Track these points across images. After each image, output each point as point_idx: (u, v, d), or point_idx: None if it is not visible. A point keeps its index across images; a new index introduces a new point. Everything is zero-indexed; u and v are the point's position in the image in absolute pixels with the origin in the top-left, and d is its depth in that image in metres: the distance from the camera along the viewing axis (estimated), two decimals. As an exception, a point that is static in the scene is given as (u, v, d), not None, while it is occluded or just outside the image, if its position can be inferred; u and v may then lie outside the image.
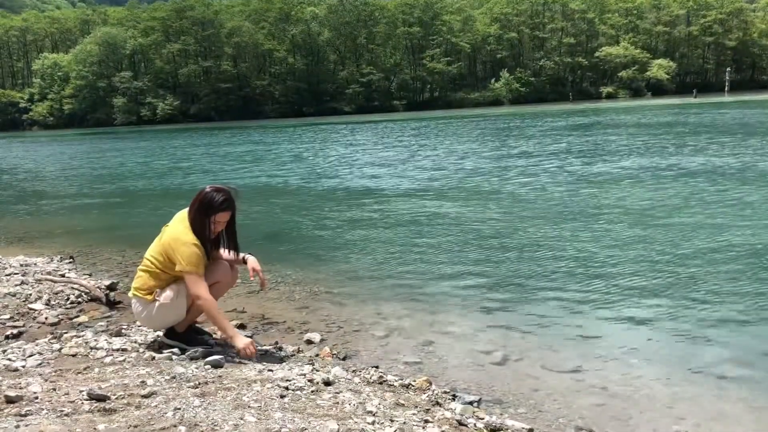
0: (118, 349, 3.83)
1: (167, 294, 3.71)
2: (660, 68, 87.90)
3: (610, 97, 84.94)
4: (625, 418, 3.24)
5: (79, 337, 4.09)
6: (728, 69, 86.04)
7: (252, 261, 3.92)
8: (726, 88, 78.44)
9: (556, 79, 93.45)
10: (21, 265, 6.27)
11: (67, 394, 2.94)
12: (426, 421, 2.91)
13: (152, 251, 3.80)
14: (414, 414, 2.98)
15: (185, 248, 3.62)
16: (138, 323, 4.20)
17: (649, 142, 18.97)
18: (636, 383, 3.61)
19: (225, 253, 3.93)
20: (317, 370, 3.50)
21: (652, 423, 3.18)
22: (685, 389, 3.52)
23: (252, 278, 3.94)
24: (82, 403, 2.82)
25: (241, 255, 3.96)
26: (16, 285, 5.38)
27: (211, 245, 3.81)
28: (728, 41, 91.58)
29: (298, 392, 3.09)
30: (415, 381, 3.55)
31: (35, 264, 6.44)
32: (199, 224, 3.70)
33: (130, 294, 3.92)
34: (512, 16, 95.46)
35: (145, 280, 3.78)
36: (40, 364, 3.54)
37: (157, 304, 3.72)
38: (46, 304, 4.96)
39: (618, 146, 18.11)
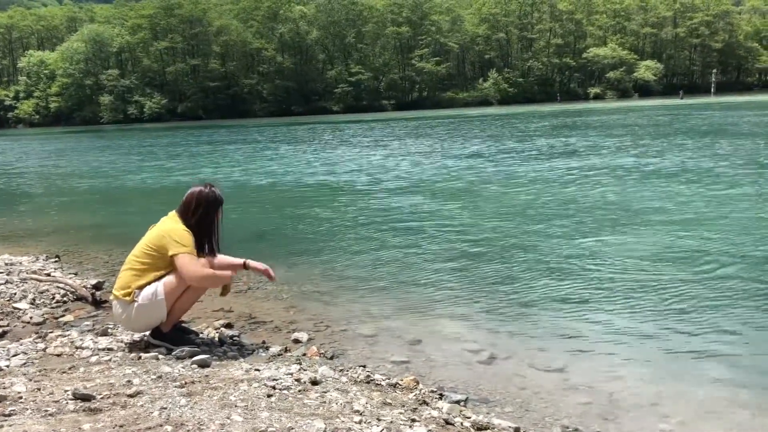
0: (103, 349, 3.81)
1: (145, 294, 3.68)
2: (647, 69, 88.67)
3: (597, 97, 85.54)
4: (611, 417, 3.26)
5: (65, 336, 4.07)
6: (714, 71, 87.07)
7: (254, 262, 4.04)
8: (712, 90, 79.34)
9: (544, 80, 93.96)
10: (6, 264, 6.22)
11: (52, 393, 2.92)
12: (413, 420, 2.91)
13: (138, 248, 3.79)
14: (401, 413, 2.98)
15: (181, 233, 3.71)
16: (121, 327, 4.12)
17: (633, 141, 19.11)
18: (622, 382, 3.63)
19: (223, 258, 4.02)
20: (304, 370, 3.49)
21: (637, 421, 3.20)
22: (671, 388, 3.55)
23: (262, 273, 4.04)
24: (67, 402, 2.80)
25: (240, 260, 4.04)
26: (0, 284, 5.34)
27: (216, 243, 3.97)
28: (714, 43, 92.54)
29: (285, 391, 3.08)
30: (402, 380, 3.55)
31: (20, 263, 6.39)
32: (208, 221, 3.87)
33: (111, 297, 3.89)
34: (501, 16, 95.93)
35: (125, 279, 3.75)
36: (24, 363, 3.51)
37: (135, 305, 3.68)
38: (31, 304, 4.92)
39: (603, 146, 18.20)
